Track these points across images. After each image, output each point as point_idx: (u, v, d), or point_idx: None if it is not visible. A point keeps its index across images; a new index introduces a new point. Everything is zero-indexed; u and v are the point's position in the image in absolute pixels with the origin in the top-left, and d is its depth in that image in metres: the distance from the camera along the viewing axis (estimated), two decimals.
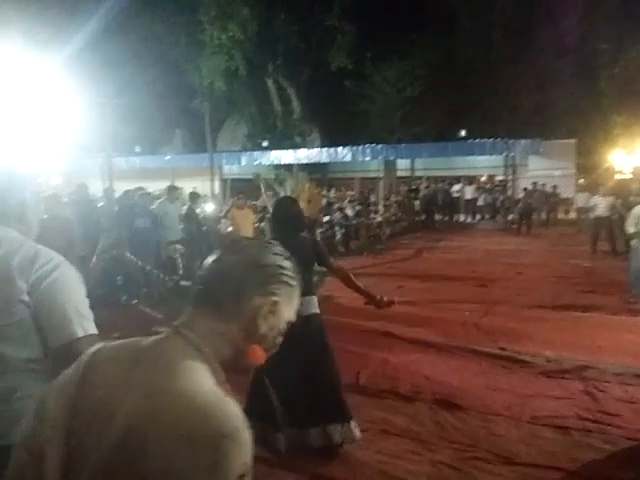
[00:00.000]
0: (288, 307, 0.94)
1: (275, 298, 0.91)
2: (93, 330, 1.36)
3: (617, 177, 16.61)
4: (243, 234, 8.06)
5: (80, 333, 1.31)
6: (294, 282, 0.95)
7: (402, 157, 20.36)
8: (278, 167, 19.74)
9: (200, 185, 19.38)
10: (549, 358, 4.54)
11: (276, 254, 0.95)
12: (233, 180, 21.90)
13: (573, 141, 19.69)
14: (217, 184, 20.04)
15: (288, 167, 19.58)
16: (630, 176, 15.07)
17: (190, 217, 8.21)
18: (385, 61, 18.77)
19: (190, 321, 0.88)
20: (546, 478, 2.92)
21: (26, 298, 1.29)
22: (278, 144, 19.22)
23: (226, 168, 22.26)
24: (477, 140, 18.26)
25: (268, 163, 19.80)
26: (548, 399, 3.83)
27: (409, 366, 4.37)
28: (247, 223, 8.20)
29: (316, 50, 17.58)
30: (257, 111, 19.34)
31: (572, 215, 15.64)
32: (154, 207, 7.65)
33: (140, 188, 7.98)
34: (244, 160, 20.70)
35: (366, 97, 19.84)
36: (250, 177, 15.08)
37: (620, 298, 6.68)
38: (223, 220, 9.61)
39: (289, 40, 17.18)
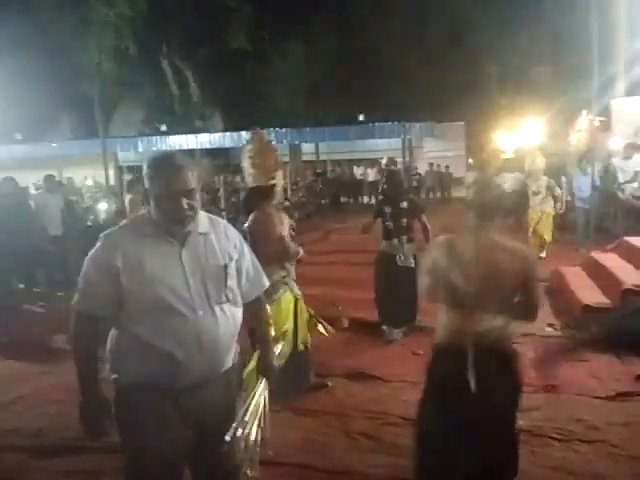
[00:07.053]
0: None
1: None
2: None
3: (502, 156, 18.00)
4: None
5: None
6: None
7: (306, 141, 20.48)
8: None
9: (93, 173, 18.05)
10: None
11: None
12: (129, 168, 20.67)
13: (462, 123, 21.17)
14: (111, 173, 18.77)
15: (189, 153, 18.88)
16: (512, 155, 16.33)
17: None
18: (285, 45, 18.62)
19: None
20: None
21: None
22: (178, 129, 18.43)
23: (121, 155, 20.96)
24: (376, 124, 18.84)
25: (168, 149, 18.94)
26: None
27: (320, 345, 4.42)
28: None
29: (212, 30, 16.96)
30: (153, 94, 18.35)
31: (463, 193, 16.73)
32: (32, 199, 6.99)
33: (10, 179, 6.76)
34: (141, 146, 19.62)
35: (269, 80, 19.59)
36: None
37: None
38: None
39: (183, 18, 16.39)
